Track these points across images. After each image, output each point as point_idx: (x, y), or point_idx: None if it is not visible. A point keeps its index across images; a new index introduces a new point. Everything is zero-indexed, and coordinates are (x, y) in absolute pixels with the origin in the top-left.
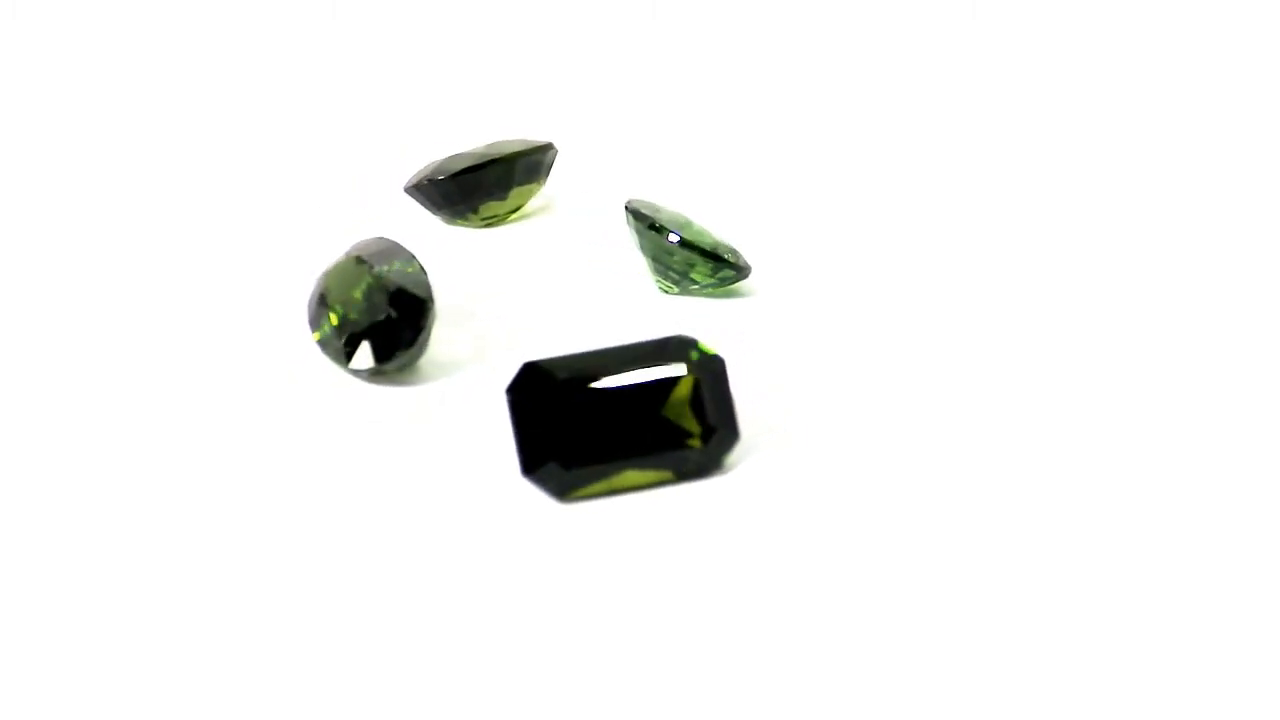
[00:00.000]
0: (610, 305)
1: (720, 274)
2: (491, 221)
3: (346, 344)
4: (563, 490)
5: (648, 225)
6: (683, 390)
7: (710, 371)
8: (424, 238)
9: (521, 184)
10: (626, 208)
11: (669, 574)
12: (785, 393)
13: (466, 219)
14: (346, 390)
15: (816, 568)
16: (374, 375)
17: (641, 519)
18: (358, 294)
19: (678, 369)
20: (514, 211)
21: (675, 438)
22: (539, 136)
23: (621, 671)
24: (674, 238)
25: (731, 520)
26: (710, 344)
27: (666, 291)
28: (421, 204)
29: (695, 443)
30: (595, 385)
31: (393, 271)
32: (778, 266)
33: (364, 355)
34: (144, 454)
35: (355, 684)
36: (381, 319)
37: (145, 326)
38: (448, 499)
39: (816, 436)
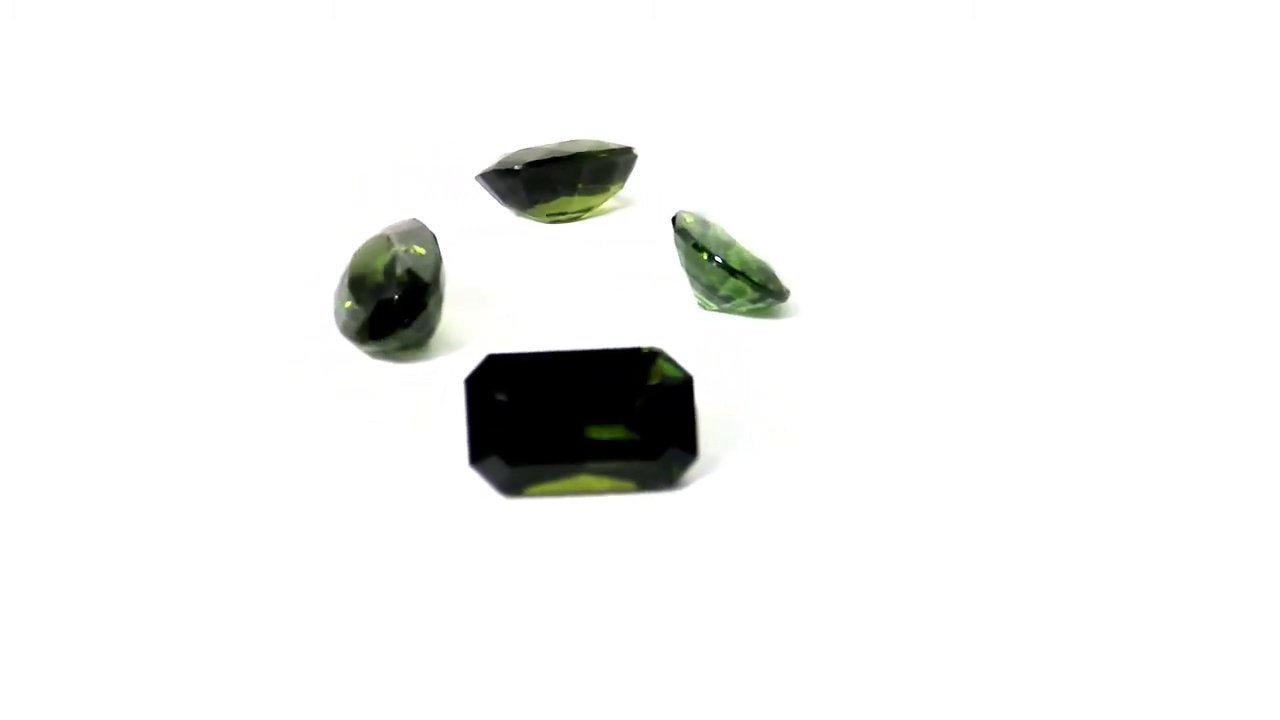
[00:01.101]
0: (641, 314)
1: (757, 299)
2: (558, 218)
3: (352, 319)
4: (507, 486)
5: (691, 245)
6: (644, 402)
7: (674, 388)
8: (487, 228)
9: (591, 184)
10: (673, 223)
11: (611, 578)
12: (786, 415)
13: (532, 212)
14: (348, 375)
15: (753, 578)
16: (378, 354)
17: (591, 522)
18: (375, 273)
19: (642, 380)
20: (584, 211)
21: (629, 449)
22: (628, 140)
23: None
24: (716, 260)
25: (685, 532)
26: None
27: (705, 308)
28: (490, 193)
29: (648, 457)
30: (557, 387)
31: (407, 253)
32: (824, 291)
33: (363, 332)
34: (140, 441)
35: (352, 681)
36: (384, 299)
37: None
38: (403, 488)
39: (806, 463)
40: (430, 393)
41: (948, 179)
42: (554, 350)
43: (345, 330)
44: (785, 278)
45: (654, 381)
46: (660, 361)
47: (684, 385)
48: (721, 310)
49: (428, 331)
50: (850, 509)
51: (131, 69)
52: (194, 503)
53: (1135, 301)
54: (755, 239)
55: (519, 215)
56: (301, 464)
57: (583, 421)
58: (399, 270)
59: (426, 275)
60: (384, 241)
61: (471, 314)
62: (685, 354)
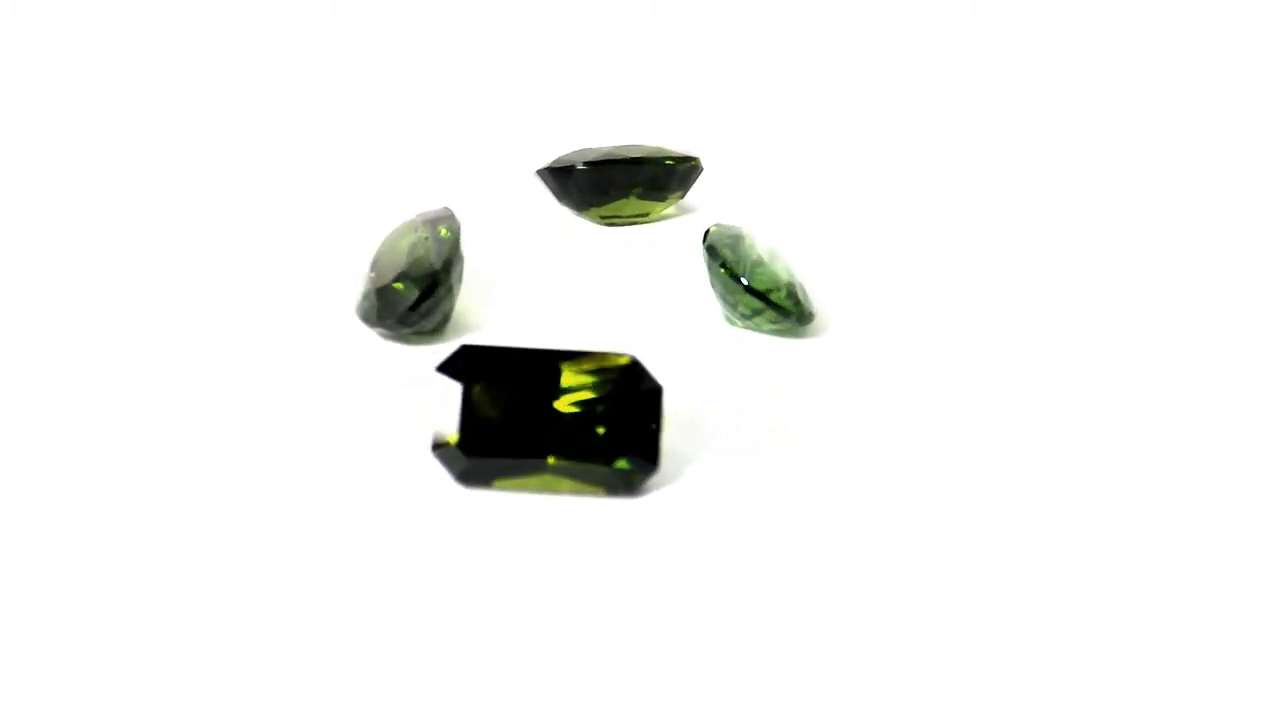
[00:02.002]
0: (664, 323)
1: (776, 319)
2: (613, 221)
3: (364, 301)
4: (463, 476)
5: (720, 264)
6: (607, 409)
7: (640, 397)
8: (540, 224)
9: (650, 190)
10: (704, 240)
11: (554, 577)
12: (771, 431)
13: (588, 213)
14: (349, 361)
15: (703, 585)
16: (387, 335)
17: (546, 521)
18: (393, 259)
19: (610, 386)
20: (641, 216)
21: (590, 453)
22: (701, 150)
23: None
24: (740, 281)
25: (635, 539)
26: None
27: (730, 323)
28: (549, 190)
29: (608, 463)
30: (524, 383)
31: (427, 239)
32: (857, 315)
33: (370, 316)
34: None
35: (346, 676)
36: (391, 284)
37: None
38: (375, 474)
39: (776, 479)
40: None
41: (1012, 216)
42: (531, 347)
43: (357, 311)
44: (819, 298)
45: (621, 389)
46: (632, 369)
47: (652, 395)
48: (745, 327)
49: (436, 318)
50: (821, 525)
51: (146, 67)
52: (189, 486)
53: (1159, 335)
54: (804, 257)
55: (576, 214)
56: (295, 451)
57: (544, 422)
58: (413, 257)
59: (438, 263)
60: (409, 228)
61: (498, 306)
62: (692, 366)
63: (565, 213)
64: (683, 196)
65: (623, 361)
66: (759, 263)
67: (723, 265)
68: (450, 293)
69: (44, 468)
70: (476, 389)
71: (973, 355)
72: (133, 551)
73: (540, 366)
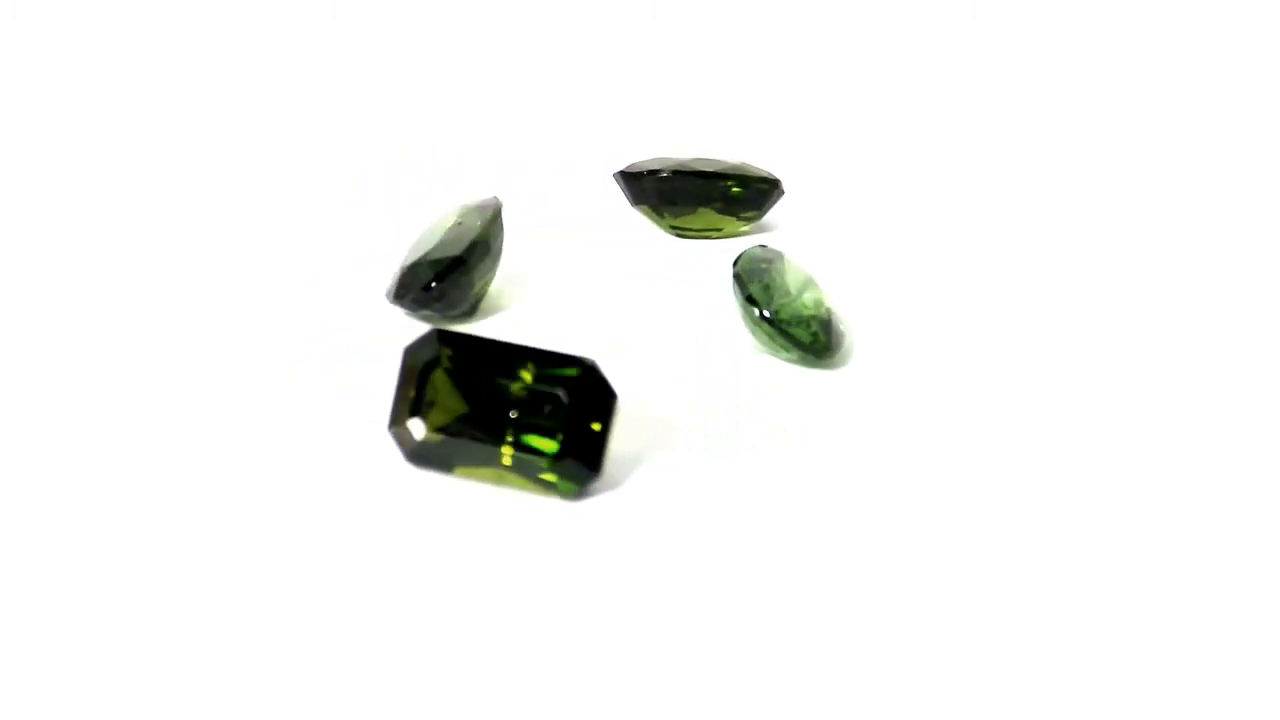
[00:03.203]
0: (686, 340)
1: (793, 351)
2: (684, 232)
3: (392, 277)
4: (412, 455)
5: (745, 296)
6: (554, 409)
7: (593, 402)
8: (606, 224)
9: (723, 205)
10: (734, 265)
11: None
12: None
13: (659, 220)
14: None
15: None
16: (419, 316)
17: (487, 512)
18: (432, 239)
19: (566, 388)
20: (712, 230)
21: (534, 451)
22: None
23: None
24: (765, 313)
25: (565, 540)
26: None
27: (758, 350)
28: (624, 193)
29: (551, 462)
30: (484, 375)
31: (461, 225)
32: (892, 351)
33: (389, 294)
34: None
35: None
36: (412, 261)
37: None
38: (336, 452)
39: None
40: None
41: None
42: (499, 340)
43: (386, 290)
44: (861, 331)
45: (575, 392)
46: (592, 375)
47: (605, 403)
48: (767, 353)
49: (458, 300)
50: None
51: (162, 69)
52: (185, 477)
53: (1185, 373)
54: (862, 292)
55: (648, 221)
56: (298, 425)
57: (495, 412)
58: (442, 240)
59: (460, 247)
60: (452, 213)
61: (534, 298)
62: (696, 384)
63: (637, 218)
64: (759, 217)
65: (583, 365)
66: (785, 293)
67: (747, 295)
68: (472, 277)
69: (70, 451)
70: (435, 373)
71: (1000, 402)
72: (115, 535)
73: (502, 359)
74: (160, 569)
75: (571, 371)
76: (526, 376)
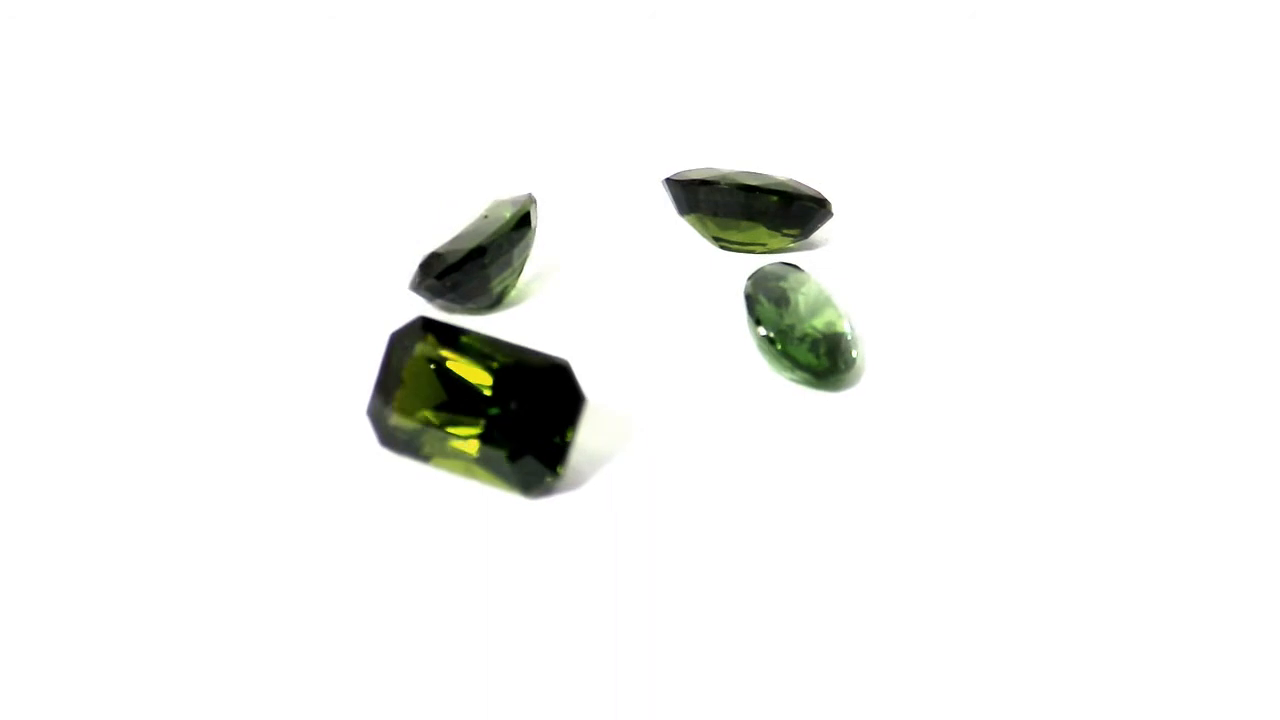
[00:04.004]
0: (698, 352)
1: (795, 371)
2: (726, 245)
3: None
4: (385, 439)
5: (754, 319)
6: (520, 406)
7: (560, 403)
8: (648, 230)
9: (769, 220)
10: (746, 288)
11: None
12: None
13: (703, 229)
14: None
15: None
16: (436, 306)
17: (445, 502)
18: (461, 230)
19: (536, 385)
20: (755, 245)
21: (497, 444)
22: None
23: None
24: (768, 333)
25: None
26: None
27: (770, 368)
28: (671, 200)
29: (512, 458)
30: (463, 364)
31: (487, 218)
32: (907, 378)
33: (413, 278)
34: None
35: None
36: (431, 252)
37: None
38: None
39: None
40: None
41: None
42: (485, 335)
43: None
44: (868, 356)
45: (544, 392)
46: (562, 376)
47: (571, 405)
48: (778, 373)
49: (475, 291)
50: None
51: (188, 78)
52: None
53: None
54: (897, 318)
55: (695, 230)
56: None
57: (464, 402)
58: (465, 232)
59: (477, 240)
60: (488, 207)
61: (559, 297)
62: (693, 395)
63: (683, 225)
64: (804, 235)
65: (555, 365)
66: (795, 313)
67: (755, 317)
68: (489, 271)
69: (99, 436)
70: (414, 360)
71: (1000, 450)
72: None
73: (478, 353)
74: (161, 556)
75: (543, 371)
76: (499, 372)
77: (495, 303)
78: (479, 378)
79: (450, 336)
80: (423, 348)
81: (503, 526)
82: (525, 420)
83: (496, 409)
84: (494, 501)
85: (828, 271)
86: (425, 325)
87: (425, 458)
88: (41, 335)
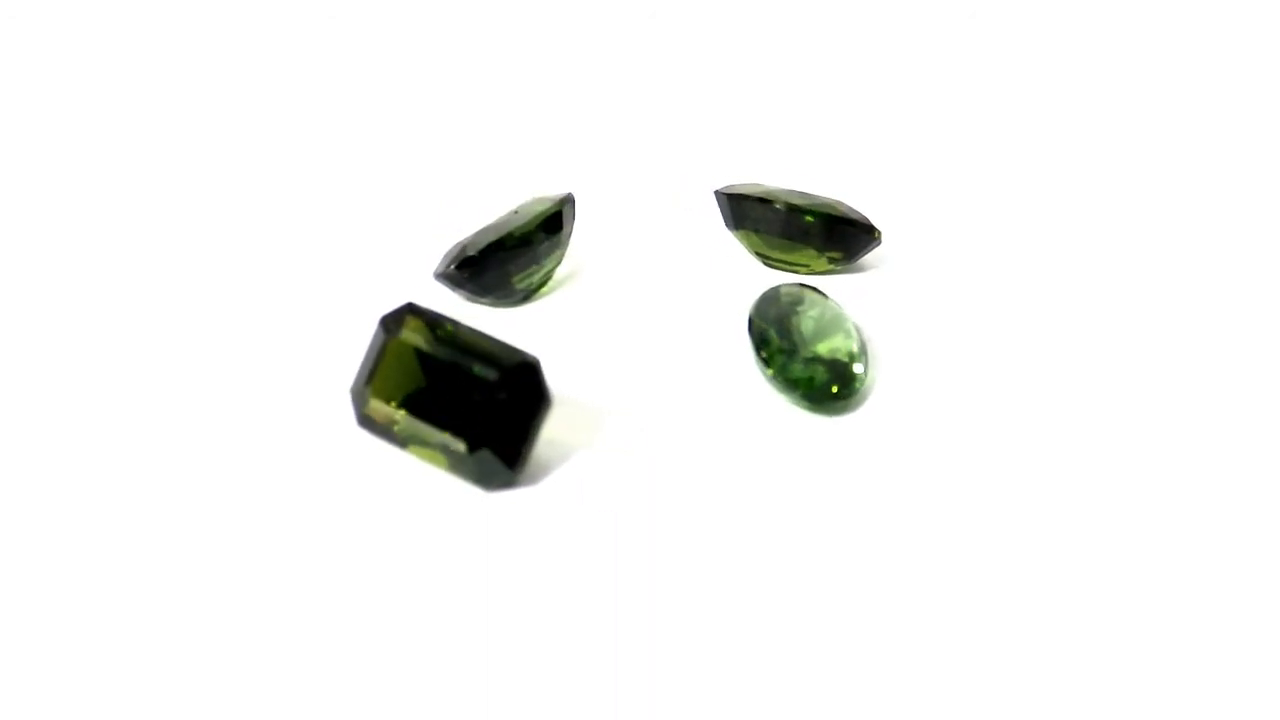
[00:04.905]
0: (712, 366)
1: (795, 398)
2: (770, 261)
3: None
4: (361, 420)
5: (752, 342)
6: (482, 397)
7: (522, 399)
8: (694, 242)
9: (817, 243)
10: (749, 310)
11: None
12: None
13: (748, 243)
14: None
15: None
16: (461, 297)
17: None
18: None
19: (504, 379)
20: (800, 265)
21: (457, 432)
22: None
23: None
24: (764, 354)
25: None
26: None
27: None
28: (720, 212)
29: (470, 449)
30: (441, 353)
31: (515, 214)
32: (914, 403)
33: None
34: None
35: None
36: (460, 241)
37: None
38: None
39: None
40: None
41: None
42: (464, 325)
43: None
44: (875, 384)
45: (509, 388)
46: (528, 373)
47: (533, 403)
48: (779, 394)
49: (486, 288)
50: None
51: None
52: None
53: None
54: (918, 350)
55: (742, 244)
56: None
57: (436, 389)
58: (491, 226)
59: (498, 234)
60: (526, 203)
61: (588, 299)
62: (688, 411)
63: (728, 239)
64: (849, 260)
65: (525, 362)
66: (798, 336)
67: (753, 340)
68: (509, 267)
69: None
70: (396, 345)
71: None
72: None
73: (454, 343)
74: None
75: (512, 366)
76: (472, 364)
77: (521, 298)
78: (452, 367)
79: (431, 325)
80: (405, 333)
81: (463, 518)
82: (485, 414)
83: (466, 401)
84: (452, 491)
85: (866, 298)
86: (410, 311)
87: (396, 442)
88: (77, 312)
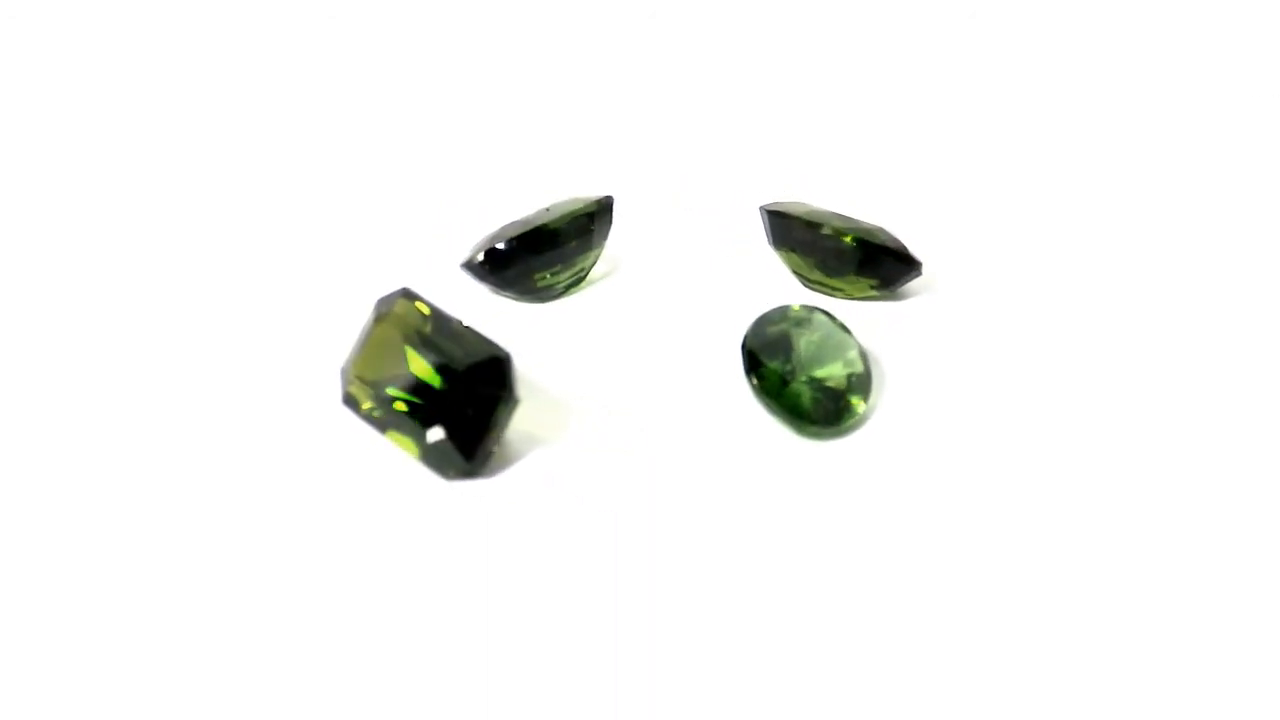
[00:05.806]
0: (719, 383)
1: (783, 420)
2: (809, 282)
3: None
4: (344, 399)
5: (745, 366)
6: (446, 385)
7: (488, 395)
8: (734, 254)
9: (855, 269)
10: (745, 332)
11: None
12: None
13: (787, 262)
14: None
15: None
16: (485, 286)
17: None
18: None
19: (473, 375)
20: (837, 290)
21: (422, 419)
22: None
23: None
24: (754, 377)
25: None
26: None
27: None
28: (764, 228)
29: (428, 435)
30: (419, 344)
31: (547, 212)
32: (918, 433)
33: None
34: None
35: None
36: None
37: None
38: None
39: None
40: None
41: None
42: (448, 314)
43: None
44: (871, 413)
45: (476, 379)
46: (497, 367)
47: (495, 397)
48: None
49: (508, 282)
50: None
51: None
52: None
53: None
54: (937, 387)
55: (783, 262)
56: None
57: (410, 381)
58: (511, 223)
59: (519, 232)
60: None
61: (615, 301)
62: (679, 422)
63: (769, 255)
64: (886, 287)
65: (496, 356)
66: (794, 360)
67: (745, 364)
68: (532, 264)
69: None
70: (384, 328)
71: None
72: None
73: (443, 332)
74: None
75: (482, 359)
76: (444, 353)
77: (546, 295)
78: (427, 356)
79: (419, 312)
80: (392, 317)
81: (435, 510)
82: (447, 403)
83: (435, 389)
84: (415, 477)
85: (898, 327)
86: (404, 295)
87: (374, 424)
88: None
